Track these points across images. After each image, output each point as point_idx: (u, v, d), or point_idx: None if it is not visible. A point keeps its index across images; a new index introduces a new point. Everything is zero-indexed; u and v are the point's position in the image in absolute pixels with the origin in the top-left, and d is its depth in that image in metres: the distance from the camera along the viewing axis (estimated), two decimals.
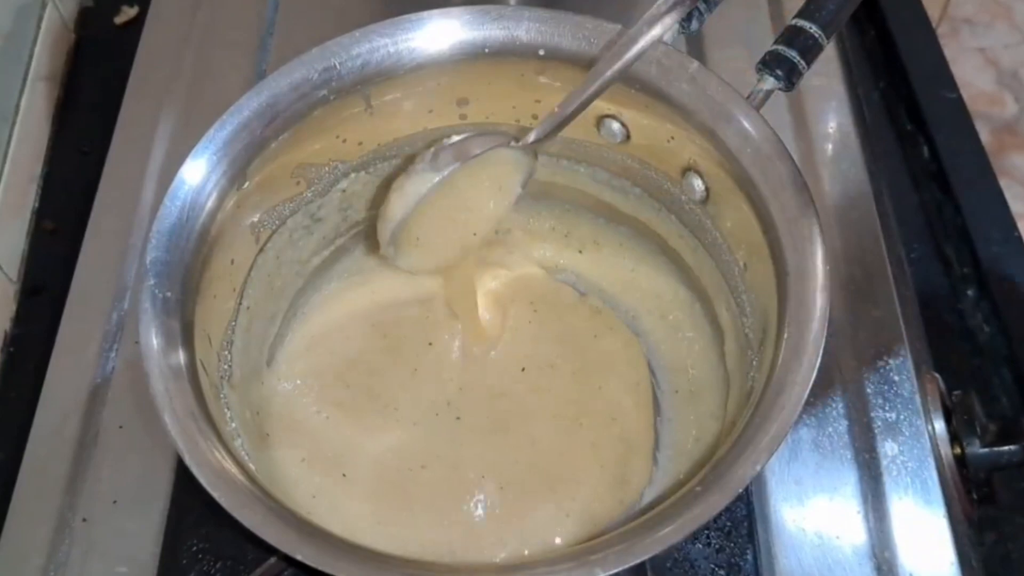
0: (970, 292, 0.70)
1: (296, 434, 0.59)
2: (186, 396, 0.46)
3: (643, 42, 0.49)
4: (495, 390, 0.61)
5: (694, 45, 0.77)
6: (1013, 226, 0.71)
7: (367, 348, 0.63)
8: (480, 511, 0.57)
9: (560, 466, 0.58)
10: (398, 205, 0.55)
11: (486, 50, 0.54)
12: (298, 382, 0.61)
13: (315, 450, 0.59)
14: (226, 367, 0.53)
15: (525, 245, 0.66)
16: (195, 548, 0.57)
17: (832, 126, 0.74)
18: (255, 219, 0.55)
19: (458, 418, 0.60)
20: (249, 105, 0.52)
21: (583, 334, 0.63)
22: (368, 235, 0.64)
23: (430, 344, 0.63)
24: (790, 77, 0.51)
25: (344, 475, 0.58)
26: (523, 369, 0.62)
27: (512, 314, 0.64)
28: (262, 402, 0.59)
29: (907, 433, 0.60)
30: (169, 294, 0.48)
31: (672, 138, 0.54)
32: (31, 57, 0.78)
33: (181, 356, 0.47)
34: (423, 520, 0.57)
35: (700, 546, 0.57)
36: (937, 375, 0.63)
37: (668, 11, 0.49)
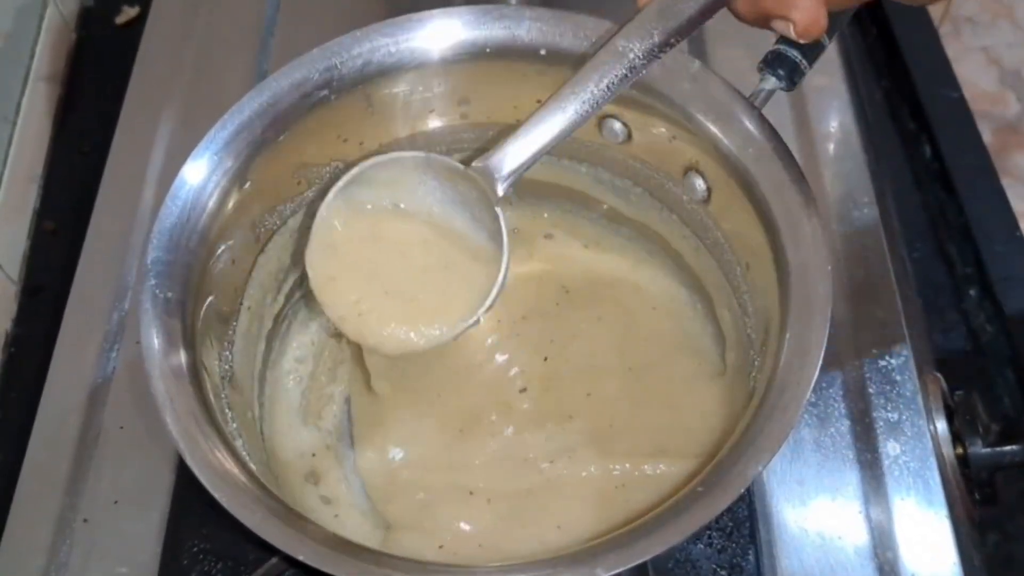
0: (972, 292, 0.70)
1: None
2: (187, 396, 0.46)
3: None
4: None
5: (695, 45, 0.77)
6: (1015, 225, 0.71)
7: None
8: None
9: None
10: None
11: (487, 50, 0.54)
12: (299, 383, 0.61)
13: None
14: (227, 367, 0.53)
15: (529, 243, 0.66)
16: (196, 549, 0.57)
17: (834, 126, 0.74)
18: (256, 219, 0.55)
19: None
20: (250, 105, 0.52)
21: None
22: None
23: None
24: (792, 77, 0.51)
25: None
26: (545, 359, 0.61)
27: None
28: (264, 402, 0.59)
29: (909, 433, 0.60)
30: (170, 294, 0.48)
31: (674, 138, 0.54)
32: (32, 57, 0.78)
33: (182, 356, 0.47)
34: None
35: (702, 546, 0.57)
36: (939, 375, 0.63)
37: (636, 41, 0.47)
